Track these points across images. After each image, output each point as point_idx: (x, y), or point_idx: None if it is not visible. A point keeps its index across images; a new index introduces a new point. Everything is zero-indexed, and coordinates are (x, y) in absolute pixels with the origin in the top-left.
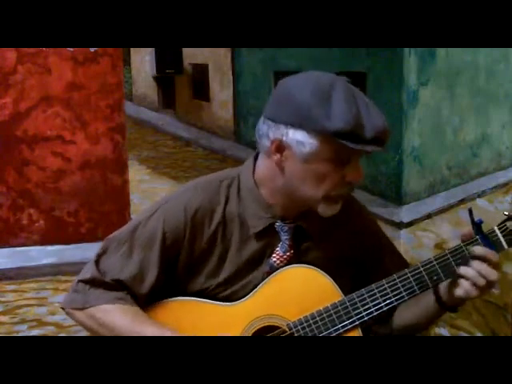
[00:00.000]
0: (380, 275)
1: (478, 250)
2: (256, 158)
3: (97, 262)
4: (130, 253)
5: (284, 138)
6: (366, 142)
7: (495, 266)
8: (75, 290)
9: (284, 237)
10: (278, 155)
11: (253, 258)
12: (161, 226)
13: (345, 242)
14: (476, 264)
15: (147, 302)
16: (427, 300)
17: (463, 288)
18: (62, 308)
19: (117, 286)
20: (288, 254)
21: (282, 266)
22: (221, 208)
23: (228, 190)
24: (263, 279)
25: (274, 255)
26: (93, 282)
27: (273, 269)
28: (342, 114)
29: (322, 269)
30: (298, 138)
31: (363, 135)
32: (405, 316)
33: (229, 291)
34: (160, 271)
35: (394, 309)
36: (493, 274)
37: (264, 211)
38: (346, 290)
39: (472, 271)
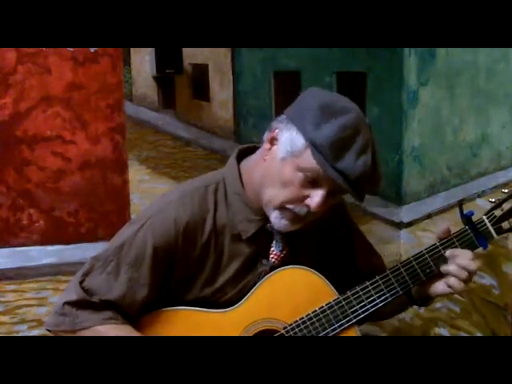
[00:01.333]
0: (352, 271)
1: (451, 252)
2: (238, 159)
3: (81, 282)
4: (117, 271)
5: (279, 129)
6: (336, 171)
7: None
8: (62, 312)
9: (278, 236)
10: (269, 145)
11: (247, 261)
12: (150, 242)
13: (326, 233)
14: (455, 260)
15: (140, 313)
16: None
17: (451, 284)
18: (48, 330)
19: (105, 305)
20: (284, 252)
21: (279, 265)
22: (211, 216)
23: (215, 195)
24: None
25: (271, 256)
26: (80, 304)
27: (273, 269)
28: (330, 133)
29: (316, 262)
30: (288, 135)
31: (336, 164)
32: None
33: (226, 297)
34: (151, 288)
35: None
36: (472, 264)
37: (253, 214)
38: (337, 283)
39: (454, 267)
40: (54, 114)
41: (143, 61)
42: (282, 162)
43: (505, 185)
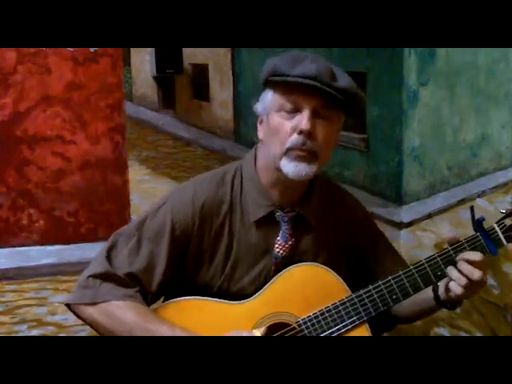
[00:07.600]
0: (376, 270)
1: (460, 256)
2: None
3: (107, 256)
4: (138, 246)
5: (257, 107)
6: (294, 77)
7: (479, 265)
8: (85, 285)
9: (284, 226)
10: (259, 126)
11: (256, 249)
12: (169, 218)
13: (342, 232)
14: (460, 265)
15: (156, 298)
16: (426, 297)
17: (452, 288)
18: (67, 305)
19: (128, 281)
20: (290, 242)
21: (287, 256)
22: (227, 200)
23: (233, 180)
24: (272, 271)
25: (276, 246)
26: (104, 276)
27: (278, 259)
28: (277, 60)
29: (321, 256)
30: (261, 99)
31: (292, 71)
32: (402, 308)
33: (238, 286)
34: (169, 263)
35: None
36: (475, 273)
37: (263, 198)
38: (343, 279)
39: (455, 272)
40: (53, 114)
41: (143, 61)
42: (267, 121)
43: (505, 185)
